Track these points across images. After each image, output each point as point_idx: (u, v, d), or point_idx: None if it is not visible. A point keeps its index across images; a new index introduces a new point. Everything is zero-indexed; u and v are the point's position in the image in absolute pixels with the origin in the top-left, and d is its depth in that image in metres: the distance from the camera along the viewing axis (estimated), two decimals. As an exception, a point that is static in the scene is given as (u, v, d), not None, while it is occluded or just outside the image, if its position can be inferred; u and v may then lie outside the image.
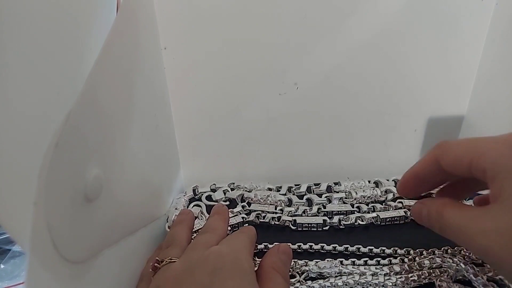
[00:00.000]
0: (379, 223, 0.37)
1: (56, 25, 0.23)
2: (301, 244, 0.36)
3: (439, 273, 0.32)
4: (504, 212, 0.23)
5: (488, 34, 0.41)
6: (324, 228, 0.37)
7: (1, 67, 0.18)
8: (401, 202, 0.39)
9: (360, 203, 0.39)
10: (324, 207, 0.39)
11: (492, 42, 0.40)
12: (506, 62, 0.39)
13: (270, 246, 0.35)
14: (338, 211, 0.39)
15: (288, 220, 0.38)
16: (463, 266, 0.31)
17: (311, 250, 0.36)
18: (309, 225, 0.37)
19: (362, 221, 0.37)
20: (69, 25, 0.24)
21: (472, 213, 0.25)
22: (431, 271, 0.32)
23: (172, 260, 0.29)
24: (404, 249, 0.35)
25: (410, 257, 0.34)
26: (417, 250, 0.34)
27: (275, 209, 0.39)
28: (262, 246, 0.35)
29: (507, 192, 0.23)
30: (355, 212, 0.39)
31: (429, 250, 0.34)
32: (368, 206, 0.39)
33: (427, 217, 0.28)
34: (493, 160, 0.25)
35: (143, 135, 0.34)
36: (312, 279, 0.33)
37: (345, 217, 0.38)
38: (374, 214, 0.37)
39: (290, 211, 0.39)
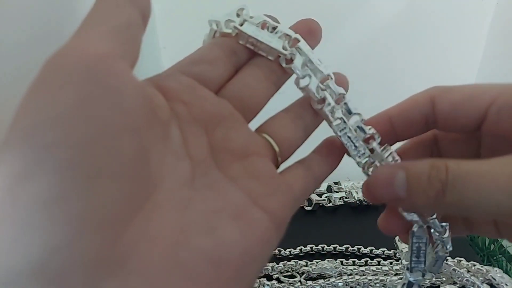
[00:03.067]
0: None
1: (54, 24, 0.23)
2: (302, 246, 0.35)
3: (442, 278, 0.32)
4: None
5: (488, 33, 0.41)
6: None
7: (2, 68, 0.18)
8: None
9: (361, 203, 0.39)
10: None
11: (493, 41, 0.40)
12: (506, 61, 0.39)
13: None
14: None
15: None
16: (465, 274, 0.31)
17: (312, 252, 0.35)
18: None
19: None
20: (69, 26, 0.24)
21: (496, 160, 0.17)
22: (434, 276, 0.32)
23: None
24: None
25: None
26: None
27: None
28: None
29: None
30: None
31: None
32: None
33: (403, 183, 0.19)
34: None
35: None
36: (313, 279, 0.33)
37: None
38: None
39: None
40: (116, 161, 0.14)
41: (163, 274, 0.14)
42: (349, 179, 0.43)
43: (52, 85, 0.14)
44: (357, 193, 0.39)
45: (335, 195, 0.40)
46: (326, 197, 0.40)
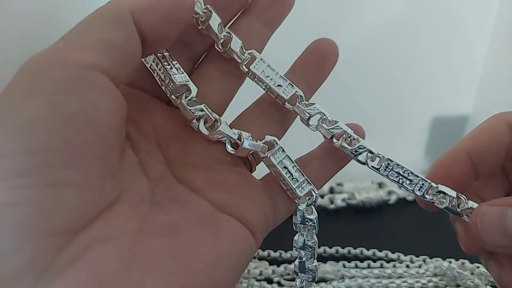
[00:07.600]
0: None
1: (53, 25, 0.23)
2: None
3: (445, 281, 0.32)
4: None
5: (492, 31, 0.40)
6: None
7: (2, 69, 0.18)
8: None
9: (364, 204, 0.39)
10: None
11: (497, 39, 0.40)
12: (511, 60, 0.38)
13: (273, 253, 0.35)
14: None
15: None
16: (469, 276, 0.31)
17: (313, 254, 0.35)
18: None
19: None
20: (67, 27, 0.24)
21: None
22: (437, 279, 0.32)
23: None
24: (408, 256, 0.34)
25: (414, 264, 0.34)
26: (420, 257, 0.34)
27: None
28: (265, 253, 0.35)
29: None
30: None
31: (433, 258, 0.34)
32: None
33: None
34: None
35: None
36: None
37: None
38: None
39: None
40: (79, 174, 0.14)
41: (120, 267, 0.14)
42: (352, 180, 0.42)
43: (22, 92, 0.14)
44: (359, 195, 0.39)
45: (337, 196, 0.40)
46: (328, 198, 0.40)
